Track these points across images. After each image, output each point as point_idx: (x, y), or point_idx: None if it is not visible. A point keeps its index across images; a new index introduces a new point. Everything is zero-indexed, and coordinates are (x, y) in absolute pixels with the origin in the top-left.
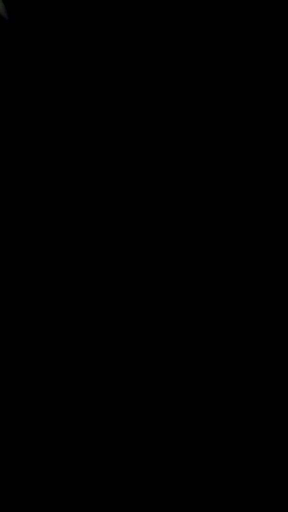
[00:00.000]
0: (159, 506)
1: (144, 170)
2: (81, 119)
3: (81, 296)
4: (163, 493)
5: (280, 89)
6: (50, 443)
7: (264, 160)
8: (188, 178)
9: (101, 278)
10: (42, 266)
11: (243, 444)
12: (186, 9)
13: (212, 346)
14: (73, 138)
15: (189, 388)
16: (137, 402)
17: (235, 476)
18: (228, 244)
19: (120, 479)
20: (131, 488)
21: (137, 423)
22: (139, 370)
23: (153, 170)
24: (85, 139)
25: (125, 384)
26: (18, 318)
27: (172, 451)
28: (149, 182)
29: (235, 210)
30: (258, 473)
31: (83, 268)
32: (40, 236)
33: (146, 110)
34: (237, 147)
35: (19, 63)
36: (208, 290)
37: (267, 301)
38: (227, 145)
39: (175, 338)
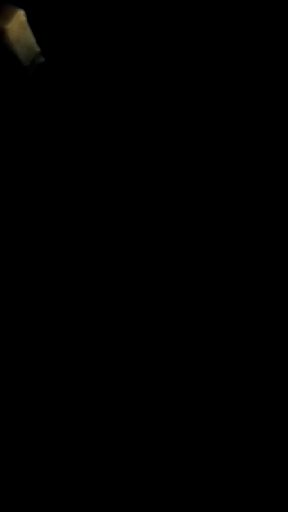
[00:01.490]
0: (159, 506)
1: (144, 170)
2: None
3: (81, 295)
4: (163, 493)
5: (280, 89)
6: (50, 443)
7: (264, 160)
8: (188, 178)
9: (101, 277)
10: (42, 266)
11: (243, 444)
12: (186, 9)
13: (212, 346)
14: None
15: (189, 387)
16: (137, 402)
17: (235, 476)
18: (228, 243)
19: (120, 479)
20: (131, 488)
21: (137, 423)
22: (139, 369)
23: (153, 170)
24: (85, 138)
25: (125, 383)
26: (18, 318)
27: (172, 451)
28: (149, 182)
29: (235, 210)
30: (258, 473)
31: (83, 267)
32: (40, 236)
33: (145, 110)
34: (237, 148)
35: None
36: (208, 290)
37: (267, 301)
38: (227, 145)
39: (175, 338)
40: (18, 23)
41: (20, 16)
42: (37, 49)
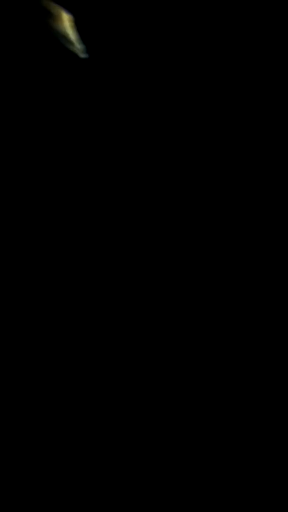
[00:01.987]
0: (159, 506)
1: (144, 170)
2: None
3: (81, 295)
4: (163, 493)
5: (280, 89)
6: (50, 443)
7: (264, 161)
8: (188, 179)
9: (101, 278)
10: (42, 266)
11: (243, 444)
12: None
13: (212, 346)
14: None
15: (189, 387)
16: (137, 402)
17: (235, 476)
18: (228, 244)
19: (120, 479)
20: (131, 488)
21: (137, 423)
22: (139, 370)
23: (153, 170)
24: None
25: (125, 384)
26: (18, 318)
27: (172, 451)
28: (149, 182)
29: (235, 211)
30: (258, 473)
31: (83, 268)
32: (40, 236)
33: (146, 111)
34: (237, 148)
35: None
36: (208, 290)
37: (267, 301)
38: (227, 145)
39: (175, 338)
40: (70, 18)
41: (69, 17)
42: (82, 45)
